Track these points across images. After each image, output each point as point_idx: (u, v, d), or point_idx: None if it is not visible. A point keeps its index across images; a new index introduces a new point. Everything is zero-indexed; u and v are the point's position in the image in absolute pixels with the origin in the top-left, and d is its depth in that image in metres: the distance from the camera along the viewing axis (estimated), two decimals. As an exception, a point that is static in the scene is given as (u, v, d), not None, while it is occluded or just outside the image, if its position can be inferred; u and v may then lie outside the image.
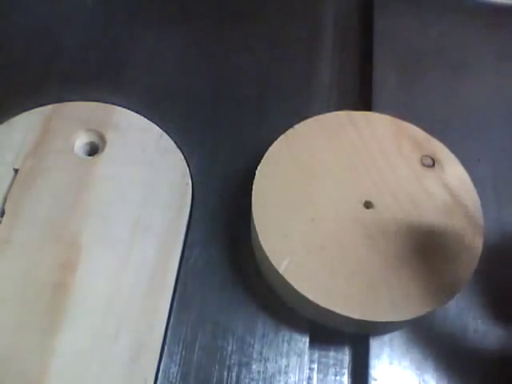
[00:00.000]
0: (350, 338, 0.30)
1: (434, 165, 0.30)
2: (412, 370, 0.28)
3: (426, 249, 0.28)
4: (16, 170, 0.31)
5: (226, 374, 0.27)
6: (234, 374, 0.27)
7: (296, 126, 0.31)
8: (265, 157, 0.30)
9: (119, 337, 0.27)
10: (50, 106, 0.33)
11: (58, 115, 0.33)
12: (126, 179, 0.31)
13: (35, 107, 0.33)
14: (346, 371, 0.29)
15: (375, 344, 0.29)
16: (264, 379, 0.27)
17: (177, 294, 0.29)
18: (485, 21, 0.41)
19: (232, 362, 0.27)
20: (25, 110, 0.33)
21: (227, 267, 0.30)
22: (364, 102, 0.37)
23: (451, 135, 0.33)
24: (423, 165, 0.30)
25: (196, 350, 0.28)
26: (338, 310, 0.26)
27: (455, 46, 0.40)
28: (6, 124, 0.32)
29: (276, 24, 0.40)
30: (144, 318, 0.27)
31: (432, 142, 0.31)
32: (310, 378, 0.29)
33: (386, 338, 0.29)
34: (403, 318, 0.26)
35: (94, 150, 0.33)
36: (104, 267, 0.29)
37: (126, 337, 0.27)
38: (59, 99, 0.34)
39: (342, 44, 0.40)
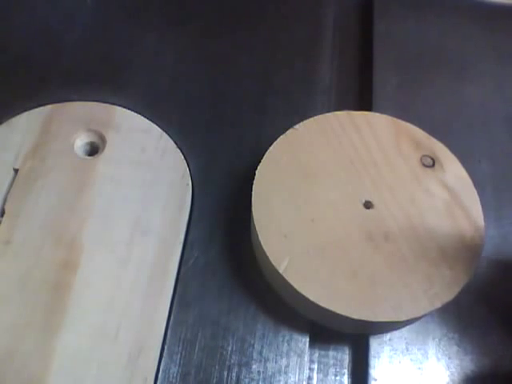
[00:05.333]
0: (350, 338, 0.29)
1: (433, 165, 0.30)
2: (412, 369, 0.28)
3: (425, 249, 0.28)
4: (16, 170, 0.31)
5: (225, 373, 0.27)
6: (233, 374, 0.27)
7: (296, 126, 0.31)
8: (265, 157, 0.30)
9: (119, 337, 0.27)
10: (49, 106, 0.33)
11: (58, 115, 0.33)
12: (125, 179, 0.31)
13: (35, 107, 0.33)
14: (345, 371, 0.29)
15: (375, 344, 0.29)
16: (264, 379, 0.27)
17: (177, 294, 0.29)
18: (484, 21, 0.41)
19: (232, 362, 0.27)
20: (25, 110, 0.33)
21: (227, 267, 0.30)
22: (364, 102, 0.37)
23: (451, 135, 0.33)
24: (423, 165, 0.30)
25: (196, 350, 0.28)
26: (338, 310, 0.26)
27: (455, 46, 0.40)
28: (5, 124, 0.32)
29: (276, 24, 0.40)
30: (144, 318, 0.27)
31: (432, 142, 0.31)
32: (310, 378, 0.29)
33: (386, 337, 0.29)
34: (403, 318, 0.26)
35: (94, 150, 0.33)
36: (104, 267, 0.29)
37: (125, 337, 0.27)
38: (59, 99, 0.34)
39: (341, 44, 0.40)
